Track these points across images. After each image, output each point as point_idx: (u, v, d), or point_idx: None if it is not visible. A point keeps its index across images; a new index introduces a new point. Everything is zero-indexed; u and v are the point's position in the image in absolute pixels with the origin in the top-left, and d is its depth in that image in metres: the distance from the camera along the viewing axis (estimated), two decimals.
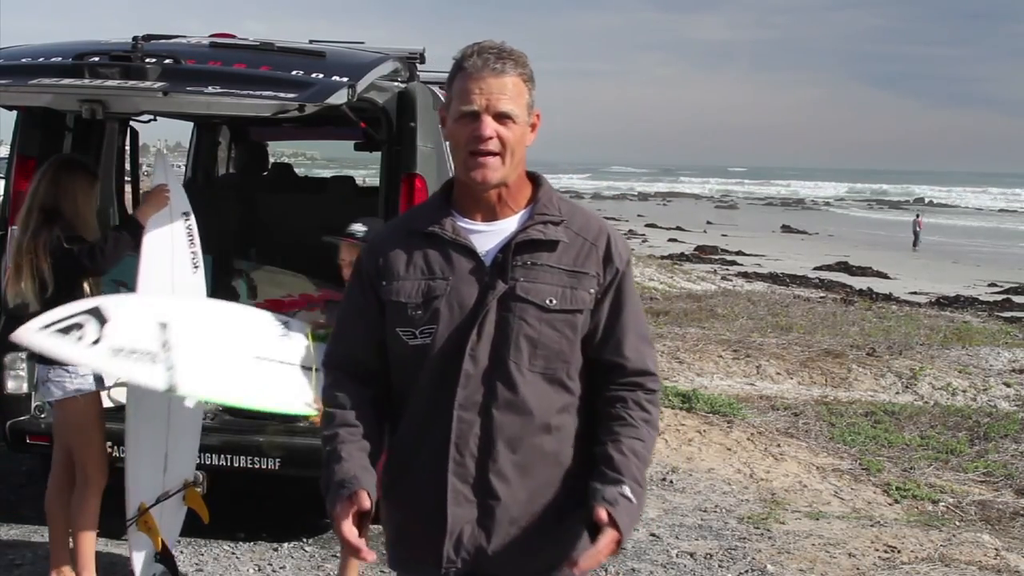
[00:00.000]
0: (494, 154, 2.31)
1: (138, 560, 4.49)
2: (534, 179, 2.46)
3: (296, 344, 4.36)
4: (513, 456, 2.34)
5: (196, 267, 4.70)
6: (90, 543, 4.57)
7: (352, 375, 2.46)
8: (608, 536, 2.23)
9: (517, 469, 2.34)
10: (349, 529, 2.27)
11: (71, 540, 4.63)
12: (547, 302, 2.33)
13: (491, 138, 2.30)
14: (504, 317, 2.32)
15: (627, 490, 2.30)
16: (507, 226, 2.38)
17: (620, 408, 2.39)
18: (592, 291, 2.37)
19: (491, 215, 2.39)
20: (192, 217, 4.69)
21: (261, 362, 4.21)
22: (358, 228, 4.62)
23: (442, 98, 6.46)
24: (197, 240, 4.72)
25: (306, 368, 4.30)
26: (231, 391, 4.10)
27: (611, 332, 2.40)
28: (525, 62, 2.36)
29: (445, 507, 2.34)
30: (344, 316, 2.51)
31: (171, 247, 4.57)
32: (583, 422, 2.42)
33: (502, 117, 2.31)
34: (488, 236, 2.37)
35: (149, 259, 4.48)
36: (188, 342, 3.94)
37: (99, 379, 4.57)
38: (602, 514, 2.24)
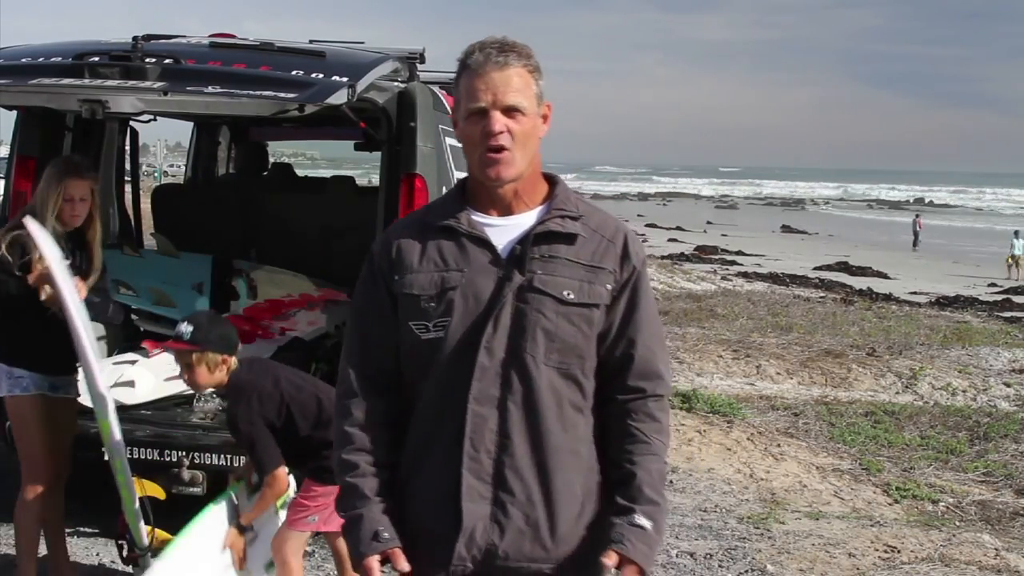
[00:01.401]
0: (506, 149, 2.30)
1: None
2: (550, 179, 2.45)
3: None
4: (529, 452, 2.31)
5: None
6: (32, 541, 4.62)
7: (367, 381, 2.41)
8: (627, 572, 2.28)
9: (533, 466, 2.31)
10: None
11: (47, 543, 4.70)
12: (565, 295, 2.32)
13: (502, 132, 2.28)
14: (521, 309, 2.30)
15: (638, 519, 2.30)
16: (523, 220, 2.37)
17: (630, 422, 2.38)
18: (609, 287, 2.36)
19: (507, 211, 2.38)
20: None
21: None
22: (184, 329, 4.09)
23: (442, 98, 6.50)
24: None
25: None
26: None
27: (625, 330, 2.38)
28: (529, 53, 2.33)
29: (459, 503, 2.30)
30: (357, 316, 2.48)
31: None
32: (596, 421, 2.41)
33: (511, 110, 2.29)
34: (504, 230, 2.36)
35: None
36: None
37: (42, 383, 4.55)
38: (609, 560, 2.28)
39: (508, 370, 2.30)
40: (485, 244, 2.34)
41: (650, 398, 2.39)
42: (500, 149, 2.29)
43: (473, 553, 2.31)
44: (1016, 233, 32.06)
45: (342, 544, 4.43)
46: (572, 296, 2.32)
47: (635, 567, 2.27)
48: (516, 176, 2.33)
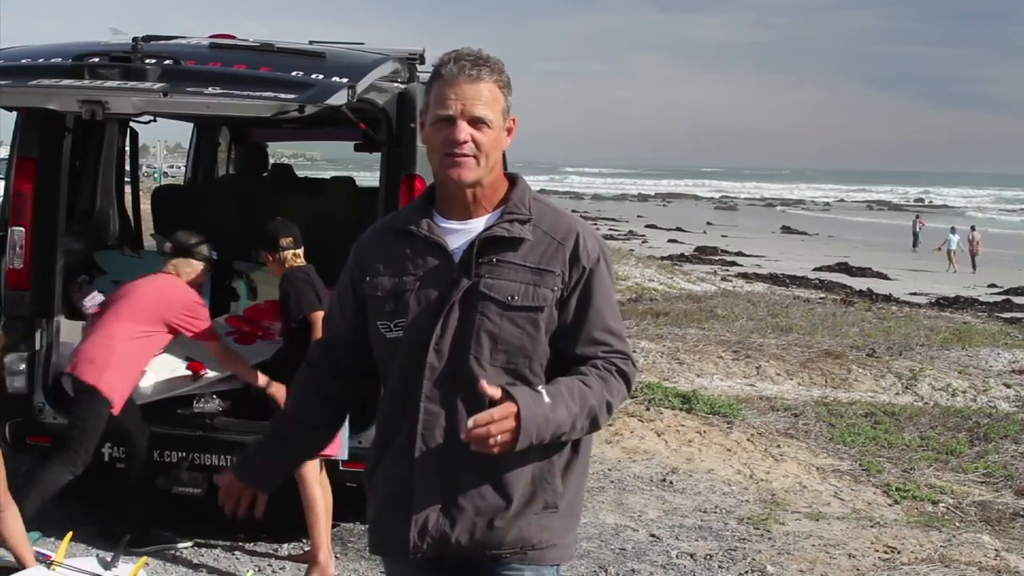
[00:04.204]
0: (469, 156, 2.39)
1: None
2: (512, 180, 2.53)
3: None
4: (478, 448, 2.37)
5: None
6: None
7: (318, 365, 2.65)
8: (503, 406, 2.28)
9: (481, 460, 2.36)
10: (221, 492, 2.65)
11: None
12: (509, 299, 2.40)
13: (465, 142, 2.38)
14: (467, 313, 2.40)
15: (540, 388, 2.36)
16: (479, 225, 2.46)
17: (581, 367, 2.44)
18: (556, 289, 2.42)
19: (466, 214, 2.47)
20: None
21: None
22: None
23: None
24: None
25: None
26: None
27: (578, 328, 2.45)
28: (501, 68, 2.43)
29: (412, 496, 2.42)
30: (330, 312, 2.68)
31: None
32: None
33: (477, 122, 2.39)
34: (461, 234, 2.46)
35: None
36: None
37: None
38: (493, 391, 2.29)
39: (455, 370, 2.40)
40: (439, 249, 2.44)
41: (603, 363, 2.44)
42: (463, 154, 2.39)
43: (427, 541, 2.43)
44: (952, 229, 34.84)
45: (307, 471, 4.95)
46: (517, 299, 2.40)
47: (513, 405, 2.28)
48: (476, 180, 2.42)
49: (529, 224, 2.45)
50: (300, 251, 5.31)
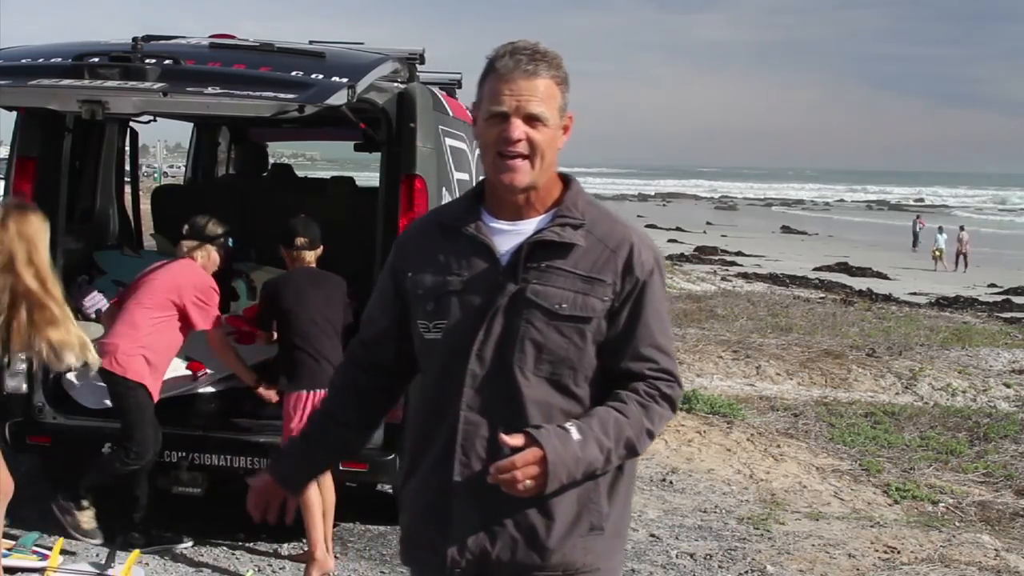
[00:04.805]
0: (523, 156, 2.27)
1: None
2: (565, 181, 2.40)
3: None
4: None
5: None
6: None
7: (357, 362, 2.55)
8: (528, 452, 2.17)
9: None
10: (251, 495, 2.53)
11: None
12: (556, 307, 2.27)
13: (520, 140, 2.25)
14: (512, 319, 2.27)
15: (568, 425, 2.24)
16: (529, 227, 2.33)
17: (621, 392, 2.32)
18: (606, 299, 2.29)
19: (516, 215, 2.34)
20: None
21: None
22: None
23: (442, 99, 6.50)
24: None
25: None
26: None
27: (626, 342, 2.32)
28: (559, 64, 2.30)
29: (451, 509, 2.31)
30: (371, 307, 2.55)
31: None
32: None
33: (532, 119, 2.26)
34: (510, 236, 2.33)
35: None
36: None
37: None
38: (513, 440, 2.18)
39: (498, 379, 2.28)
40: (486, 250, 2.32)
41: (645, 387, 2.32)
42: (516, 156, 2.26)
43: (466, 557, 2.32)
44: (940, 229, 35.51)
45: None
46: (564, 308, 2.28)
47: (539, 450, 2.17)
48: (529, 184, 2.30)
49: (582, 229, 2.31)
50: (314, 252, 5.34)
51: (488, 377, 2.28)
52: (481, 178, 2.45)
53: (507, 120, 2.25)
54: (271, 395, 5.36)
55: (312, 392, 5.05)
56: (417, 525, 2.40)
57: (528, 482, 2.17)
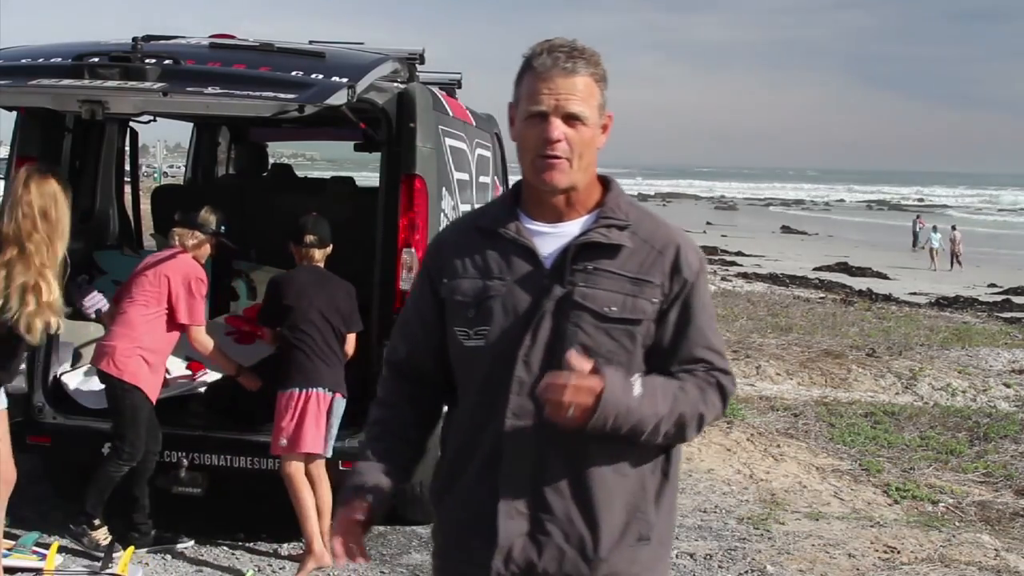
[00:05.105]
0: (563, 157, 2.21)
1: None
2: (605, 182, 2.35)
3: None
4: (568, 469, 2.24)
5: None
6: None
7: (402, 373, 2.45)
8: (587, 377, 2.12)
9: (572, 483, 2.23)
10: (339, 531, 2.32)
11: None
12: (605, 310, 2.22)
13: (559, 141, 2.19)
14: (559, 323, 2.22)
15: (634, 378, 2.19)
16: (571, 229, 2.28)
17: (682, 374, 2.28)
18: (655, 301, 2.25)
19: (557, 217, 2.29)
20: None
21: None
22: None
23: (442, 99, 6.50)
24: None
25: None
26: None
27: (678, 345, 2.28)
28: (597, 61, 2.24)
29: (496, 520, 2.24)
30: (405, 313, 2.47)
31: None
32: None
33: (571, 119, 2.20)
34: (552, 238, 2.27)
35: None
36: None
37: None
38: (582, 363, 2.13)
39: None
40: (529, 253, 2.26)
41: (703, 371, 2.29)
42: (556, 157, 2.21)
43: (512, 569, 2.26)
44: (934, 228, 35.99)
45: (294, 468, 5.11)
46: (614, 311, 2.22)
47: (599, 381, 2.12)
48: (570, 185, 2.24)
49: (627, 230, 2.26)
50: (323, 251, 5.35)
51: (535, 384, 2.20)
52: (517, 179, 2.41)
53: (546, 120, 2.20)
54: (252, 383, 5.38)
55: (304, 391, 5.05)
56: (460, 538, 2.33)
57: (574, 408, 2.11)
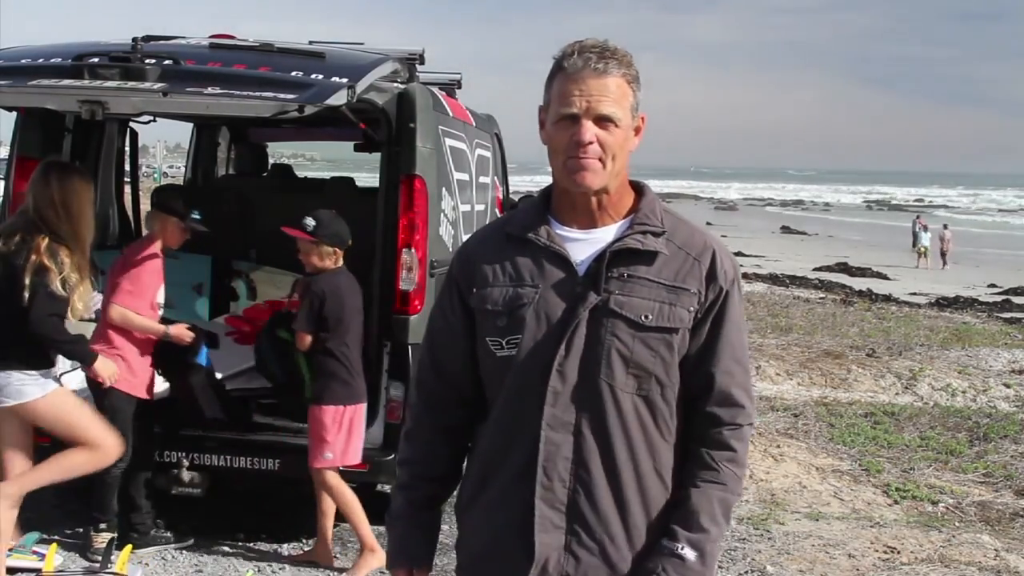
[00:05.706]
0: (595, 159, 2.17)
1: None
2: (638, 188, 2.31)
3: None
4: (605, 480, 2.19)
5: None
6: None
7: (432, 396, 2.37)
8: None
9: (610, 495, 2.19)
10: None
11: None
12: (642, 318, 2.17)
13: (591, 143, 2.14)
14: (595, 332, 2.16)
15: (681, 548, 2.17)
16: (605, 235, 2.22)
17: (702, 448, 2.24)
18: (692, 309, 2.20)
19: (590, 223, 2.23)
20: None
21: None
22: (308, 222, 5.03)
23: (442, 99, 6.49)
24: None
25: None
26: None
27: (705, 354, 2.23)
28: (630, 62, 2.19)
29: (531, 533, 2.19)
30: (432, 327, 2.39)
31: None
32: (679, 447, 2.27)
33: (603, 120, 2.15)
34: (585, 245, 2.22)
35: None
36: None
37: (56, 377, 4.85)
38: None
39: (582, 395, 2.17)
40: (562, 260, 2.20)
41: (726, 427, 2.24)
42: (587, 158, 2.17)
43: None
44: (925, 227, 35.99)
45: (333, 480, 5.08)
46: (651, 319, 2.17)
47: None
48: (602, 186, 2.19)
49: (663, 237, 2.22)
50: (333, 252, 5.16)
51: (571, 394, 2.17)
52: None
53: (577, 122, 2.15)
54: (183, 335, 5.22)
55: (346, 407, 5.03)
56: (492, 551, 2.27)
57: None
